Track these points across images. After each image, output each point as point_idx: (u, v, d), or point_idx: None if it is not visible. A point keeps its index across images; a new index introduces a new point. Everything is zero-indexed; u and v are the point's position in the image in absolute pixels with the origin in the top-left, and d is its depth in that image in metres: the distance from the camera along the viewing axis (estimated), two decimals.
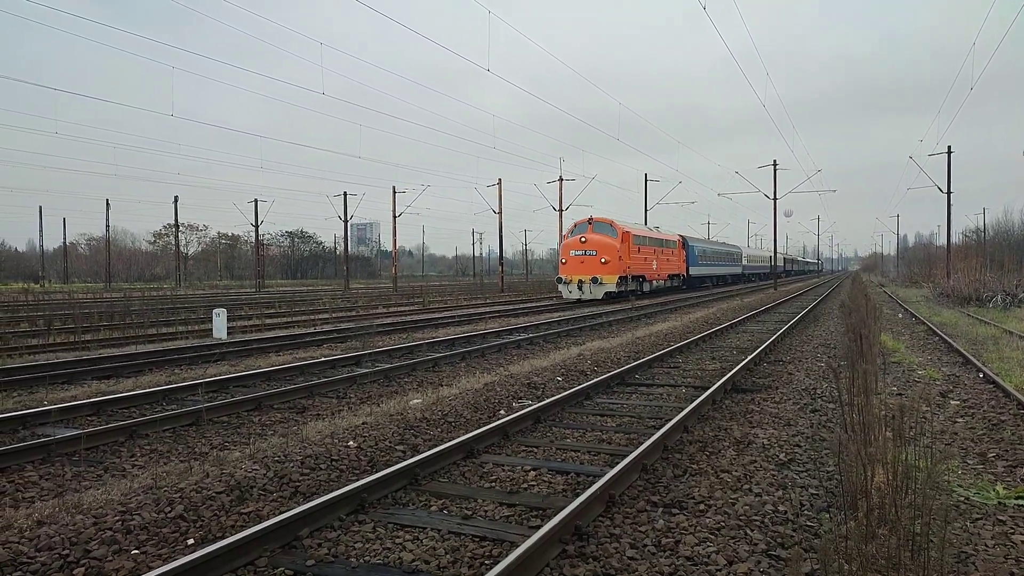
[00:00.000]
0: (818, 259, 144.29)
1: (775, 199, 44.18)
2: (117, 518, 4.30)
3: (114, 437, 6.73)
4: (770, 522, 4.36)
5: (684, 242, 42.30)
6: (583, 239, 30.48)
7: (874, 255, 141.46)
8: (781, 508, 4.60)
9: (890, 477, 4.35)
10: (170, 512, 4.45)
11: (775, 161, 43.17)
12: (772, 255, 66.74)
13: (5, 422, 7.17)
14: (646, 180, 49.51)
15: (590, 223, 30.98)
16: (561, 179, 44.56)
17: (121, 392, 8.89)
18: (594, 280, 29.60)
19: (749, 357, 11.29)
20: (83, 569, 3.72)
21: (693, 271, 44.32)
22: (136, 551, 3.96)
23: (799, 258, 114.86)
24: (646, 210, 49.28)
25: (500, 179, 43.82)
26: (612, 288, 29.90)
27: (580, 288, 29.85)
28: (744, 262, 63.43)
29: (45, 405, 8.03)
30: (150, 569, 3.66)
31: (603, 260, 29.86)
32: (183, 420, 7.41)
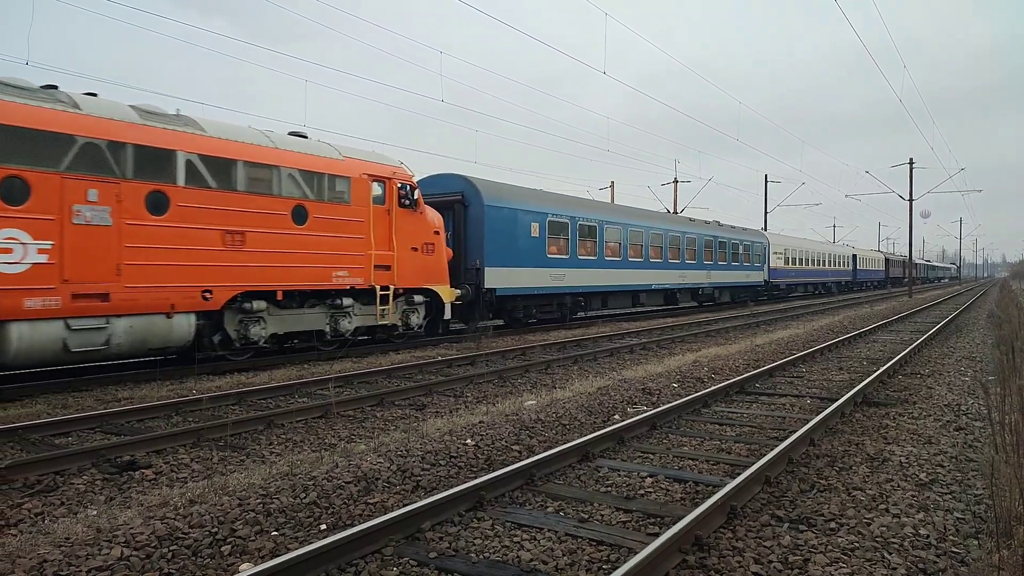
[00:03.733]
0: (958, 264, 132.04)
1: (911, 200, 41.19)
2: (259, 501, 4.64)
3: (254, 426, 7.27)
4: (910, 546, 4.07)
5: (469, 197, 16.77)
6: None
7: None
8: (922, 532, 4.28)
9: None
10: (305, 498, 4.75)
11: (911, 159, 40.28)
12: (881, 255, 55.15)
13: (161, 408, 7.92)
14: (766, 181, 47.56)
15: None
16: (676, 181, 43.60)
17: (259, 384, 9.58)
18: None
19: (882, 368, 10.58)
20: (229, 547, 4.03)
21: (500, 280, 16.97)
22: (276, 533, 4.25)
23: (925, 261, 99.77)
24: (766, 213, 47.32)
25: (612, 181, 43.54)
26: None
27: None
28: (774, 262, 36.39)
29: (195, 394, 8.79)
30: (289, 550, 3.92)
31: None
32: (313, 412, 7.89)
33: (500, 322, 18.42)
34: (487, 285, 16.58)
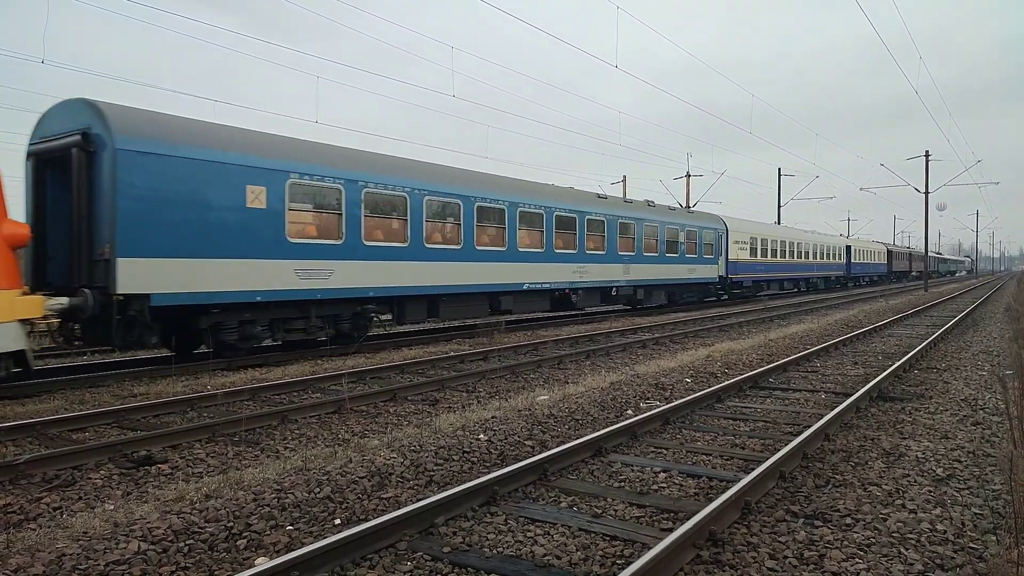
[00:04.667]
0: (974, 257, 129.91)
1: (926, 193, 40.73)
2: (273, 495, 4.67)
3: (268, 421, 7.32)
4: (927, 541, 4.04)
5: (98, 137, 9.54)
6: None
7: None
8: (939, 527, 4.25)
9: None
10: (319, 493, 4.77)
11: (927, 152, 39.81)
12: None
13: (176, 403, 7.98)
14: (779, 175, 47.20)
15: None
16: (688, 175, 43.36)
17: (272, 380, 9.63)
18: None
19: (897, 363, 10.48)
20: (245, 541, 4.06)
21: (161, 278, 9.84)
22: (291, 527, 4.28)
23: (936, 254, 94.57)
24: (779, 206, 46.98)
25: (624, 176, 43.31)
26: None
27: None
28: (735, 254, 29.01)
29: (209, 390, 8.85)
30: (303, 544, 3.94)
31: None
32: (327, 408, 7.93)
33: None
34: (123, 289, 9.47)
